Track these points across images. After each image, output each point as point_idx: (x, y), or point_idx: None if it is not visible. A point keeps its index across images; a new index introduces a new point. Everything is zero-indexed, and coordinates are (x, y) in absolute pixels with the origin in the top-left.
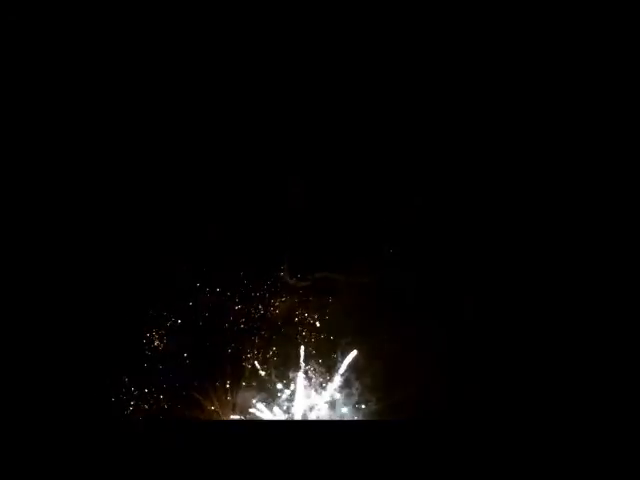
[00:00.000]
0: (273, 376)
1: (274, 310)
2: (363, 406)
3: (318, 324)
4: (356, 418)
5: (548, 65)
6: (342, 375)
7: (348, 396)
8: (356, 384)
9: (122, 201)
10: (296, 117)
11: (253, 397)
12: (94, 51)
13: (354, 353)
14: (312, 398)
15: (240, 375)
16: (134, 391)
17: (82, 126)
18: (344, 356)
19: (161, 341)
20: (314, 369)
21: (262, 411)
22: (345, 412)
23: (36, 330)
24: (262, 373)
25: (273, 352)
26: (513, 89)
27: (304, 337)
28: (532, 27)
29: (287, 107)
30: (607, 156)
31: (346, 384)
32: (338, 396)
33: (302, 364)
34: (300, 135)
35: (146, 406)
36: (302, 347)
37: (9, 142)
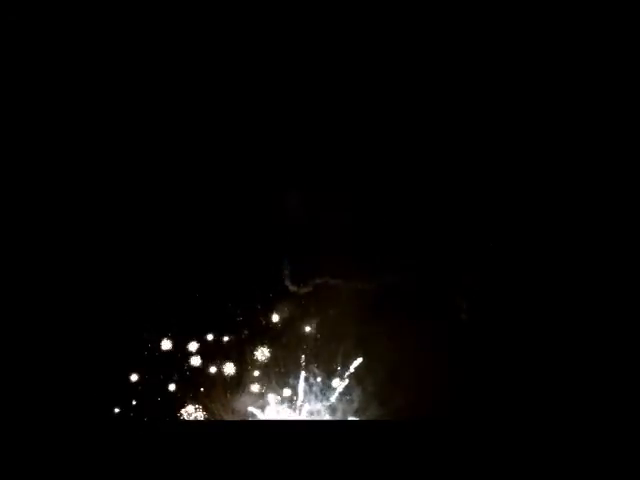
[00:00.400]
0: (274, 382)
1: (275, 317)
2: (365, 412)
3: (319, 330)
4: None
5: (548, 65)
6: (343, 381)
7: (349, 402)
8: (357, 390)
9: (124, 207)
10: (294, 124)
11: (254, 404)
12: (94, 51)
13: (358, 361)
14: (313, 404)
15: (241, 382)
16: (134, 396)
17: (81, 127)
18: (345, 362)
19: (163, 348)
20: (315, 375)
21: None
22: (346, 417)
23: (35, 332)
24: (263, 379)
25: (274, 359)
26: (513, 89)
27: (305, 343)
28: (532, 27)
29: (286, 114)
30: (607, 156)
31: (347, 390)
32: (339, 402)
33: (303, 370)
34: (300, 142)
35: (146, 410)
36: (303, 353)
37: (8, 142)
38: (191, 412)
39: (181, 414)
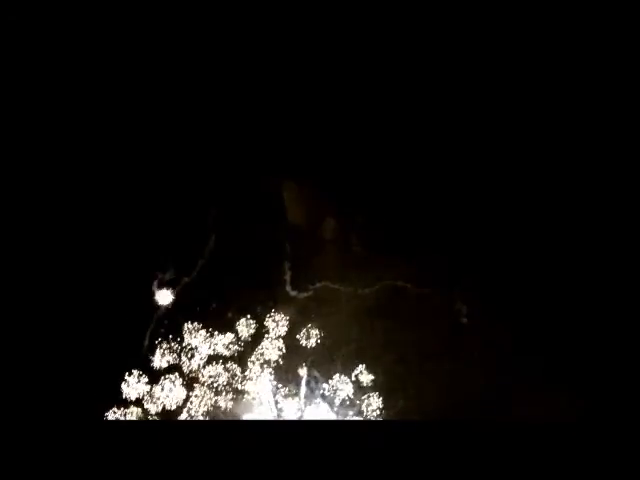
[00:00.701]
0: (276, 385)
1: (276, 320)
2: (365, 413)
3: (320, 333)
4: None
5: (548, 65)
6: (344, 383)
7: (350, 406)
8: (358, 391)
9: (126, 210)
10: (296, 129)
11: (254, 405)
12: (94, 51)
13: (358, 363)
14: (314, 406)
15: (243, 384)
16: (139, 399)
17: (80, 126)
18: (346, 364)
19: (164, 350)
20: (316, 377)
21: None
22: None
23: (34, 332)
24: (265, 382)
25: (276, 362)
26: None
27: (306, 346)
28: (532, 27)
29: (288, 120)
30: (606, 155)
31: (348, 391)
32: (340, 403)
33: (305, 373)
34: (300, 148)
35: (149, 412)
36: (304, 356)
37: (8, 141)
38: (192, 413)
39: (182, 415)
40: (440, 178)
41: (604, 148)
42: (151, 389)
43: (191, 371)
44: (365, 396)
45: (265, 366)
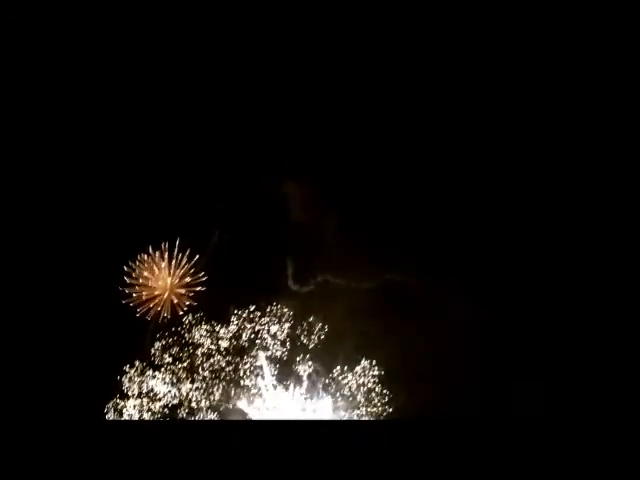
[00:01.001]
0: (277, 381)
1: (278, 315)
2: (367, 409)
3: (321, 328)
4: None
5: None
6: (345, 379)
7: (351, 400)
8: (359, 387)
9: (134, 210)
10: (299, 125)
11: (255, 402)
12: (94, 51)
13: (359, 358)
14: (315, 402)
15: (243, 380)
16: (139, 399)
17: (80, 126)
18: (347, 360)
19: (164, 347)
20: (317, 373)
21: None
22: (348, 415)
23: (33, 332)
24: (265, 378)
25: (277, 357)
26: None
27: (307, 341)
28: (532, 27)
29: (291, 116)
30: (606, 155)
31: (349, 388)
32: (340, 400)
33: (306, 368)
34: (302, 143)
35: (150, 405)
36: (305, 351)
37: (8, 141)
38: (193, 407)
39: (183, 408)
40: (440, 176)
41: (599, 148)
42: (152, 382)
43: (192, 364)
44: (366, 389)
45: (267, 360)
